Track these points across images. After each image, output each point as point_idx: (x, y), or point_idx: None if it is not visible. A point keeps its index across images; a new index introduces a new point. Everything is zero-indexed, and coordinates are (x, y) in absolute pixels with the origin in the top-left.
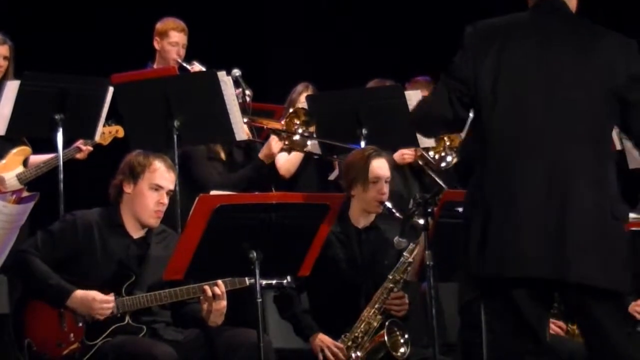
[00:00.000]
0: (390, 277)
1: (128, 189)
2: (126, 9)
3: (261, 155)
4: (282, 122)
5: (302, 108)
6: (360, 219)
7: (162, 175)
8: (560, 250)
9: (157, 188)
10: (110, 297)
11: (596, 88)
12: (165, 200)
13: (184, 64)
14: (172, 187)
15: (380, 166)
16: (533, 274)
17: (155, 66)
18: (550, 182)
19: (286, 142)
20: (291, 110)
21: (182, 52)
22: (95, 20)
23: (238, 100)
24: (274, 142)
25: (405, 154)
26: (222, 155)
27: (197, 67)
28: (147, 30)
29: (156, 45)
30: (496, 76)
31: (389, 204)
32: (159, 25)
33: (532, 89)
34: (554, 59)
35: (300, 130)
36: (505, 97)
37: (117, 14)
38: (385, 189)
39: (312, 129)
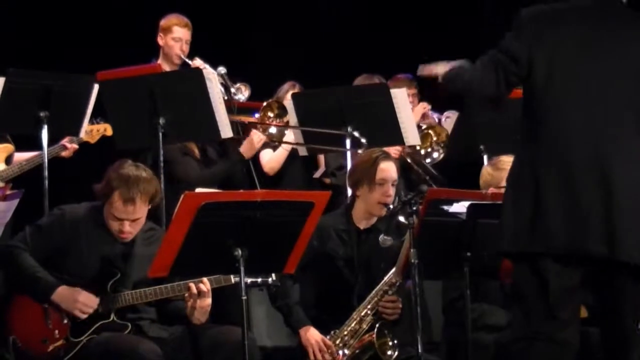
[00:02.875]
0: (386, 279)
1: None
2: (115, 6)
3: (242, 149)
4: (256, 117)
5: (275, 101)
6: (363, 220)
7: (118, 209)
8: (609, 230)
9: (115, 219)
10: (96, 298)
11: None
12: (127, 228)
13: (186, 60)
14: (134, 217)
15: (387, 168)
16: (590, 252)
17: (159, 62)
18: (601, 166)
19: (265, 133)
20: (264, 103)
21: (186, 47)
22: (84, 16)
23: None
24: (256, 136)
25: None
26: (196, 153)
27: (198, 63)
28: (138, 28)
29: (160, 41)
30: (550, 62)
31: (392, 207)
32: (163, 22)
33: (584, 77)
34: (606, 49)
35: (274, 123)
36: (558, 83)
37: (105, 11)
38: (391, 191)
39: (285, 119)
